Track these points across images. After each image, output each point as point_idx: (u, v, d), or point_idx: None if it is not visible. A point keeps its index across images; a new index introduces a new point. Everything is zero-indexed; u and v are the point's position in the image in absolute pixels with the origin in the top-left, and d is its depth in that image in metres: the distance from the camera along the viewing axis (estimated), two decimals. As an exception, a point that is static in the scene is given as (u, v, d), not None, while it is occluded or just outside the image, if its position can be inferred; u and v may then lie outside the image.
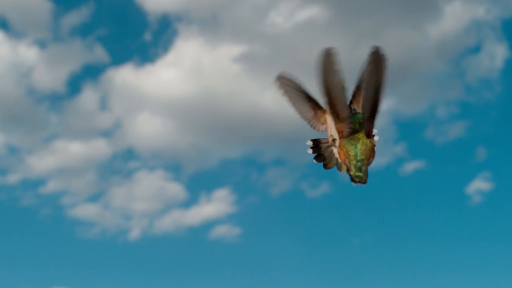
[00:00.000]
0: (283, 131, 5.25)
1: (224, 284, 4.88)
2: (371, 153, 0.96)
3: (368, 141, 0.96)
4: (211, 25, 5.79)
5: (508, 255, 4.77)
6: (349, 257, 5.00)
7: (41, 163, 5.32)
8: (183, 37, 5.68)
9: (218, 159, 5.47)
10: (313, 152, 1.08)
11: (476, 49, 5.47)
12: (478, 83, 5.40)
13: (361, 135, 0.97)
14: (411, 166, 5.20)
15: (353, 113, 0.99)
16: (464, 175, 5.19)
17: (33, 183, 5.24)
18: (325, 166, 1.08)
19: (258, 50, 5.61)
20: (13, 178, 5.22)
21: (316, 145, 1.08)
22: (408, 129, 5.51)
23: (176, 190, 5.34)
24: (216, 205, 5.19)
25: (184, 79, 5.63)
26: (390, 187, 5.36)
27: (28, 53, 5.49)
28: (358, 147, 0.96)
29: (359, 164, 0.95)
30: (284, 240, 5.05)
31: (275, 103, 5.22)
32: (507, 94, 5.37)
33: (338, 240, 5.12)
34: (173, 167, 5.50)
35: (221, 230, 5.08)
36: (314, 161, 1.07)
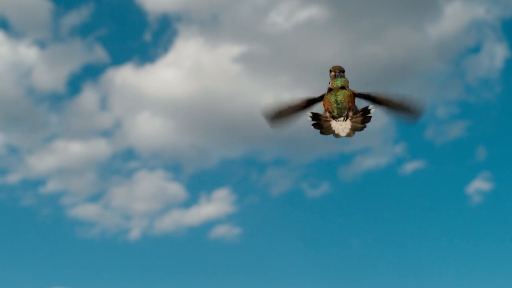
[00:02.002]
0: (283, 131, 5.23)
1: (224, 284, 4.88)
2: (350, 99, 1.16)
3: (348, 92, 1.17)
4: (211, 25, 5.79)
5: (508, 255, 4.78)
6: (349, 257, 5.00)
7: (41, 163, 5.33)
8: (183, 37, 5.69)
9: (218, 159, 5.47)
10: (312, 120, 1.24)
11: (476, 49, 5.47)
12: (478, 83, 5.40)
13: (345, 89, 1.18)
14: (411, 166, 5.20)
15: (336, 76, 1.19)
16: (464, 175, 5.20)
17: (33, 183, 5.24)
18: (322, 133, 1.24)
19: (258, 50, 5.61)
20: (13, 178, 5.23)
21: (316, 117, 1.23)
22: (408, 129, 5.52)
23: (176, 190, 5.34)
24: (216, 205, 5.19)
25: (184, 79, 5.63)
26: (390, 187, 5.37)
27: (28, 53, 5.49)
28: (337, 95, 1.17)
29: (339, 105, 1.16)
30: (284, 240, 5.05)
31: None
32: (507, 94, 5.38)
33: (338, 240, 5.13)
34: (173, 167, 5.50)
35: (221, 230, 5.09)
36: (312, 127, 1.24)
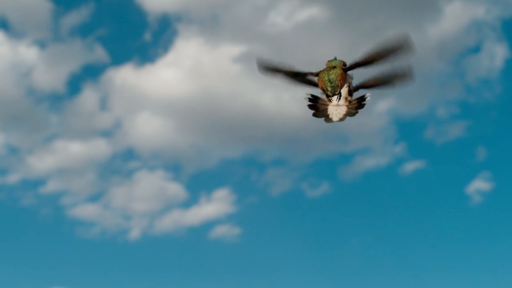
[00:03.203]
0: (283, 131, 5.25)
1: (224, 284, 4.88)
2: (341, 78, 1.20)
3: (340, 70, 1.20)
4: (211, 25, 5.80)
5: (508, 255, 4.78)
6: (349, 257, 5.00)
7: (41, 163, 5.33)
8: (183, 37, 5.69)
9: (218, 159, 5.48)
10: (309, 102, 1.27)
11: (476, 49, 5.48)
12: (478, 83, 5.41)
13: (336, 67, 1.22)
14: (411, 166, 5.21)
15: (334, 59, 1.23)
16: (464, 175, 5.20)
17: (33, 183, 5.25)
18: (315, 115, 1.27)
19: (258, 50, 5.61)
20: (13, 178, 5.23)
21: (314, 99, 1.27)
22: (408, 129, 5.52)
23: (176, 190, 5.35)
24: (216, 205, 5.20)
25: (184, 79, 5.63)
26: (390, 187, 5.37)
27: (28, 53, 5.50)
28: (330, 73, 1.21)
29: (332, 84, 1.20)
30: (284, 240, 5.05)
31: (275, 103, 5.22)
32: (507, 94, 5.38)
33: (338, 240, 5.13)
34: (173, 167, 5.51)
35: (221, 230, 5.09)
36: (308, 108, 1.27)
